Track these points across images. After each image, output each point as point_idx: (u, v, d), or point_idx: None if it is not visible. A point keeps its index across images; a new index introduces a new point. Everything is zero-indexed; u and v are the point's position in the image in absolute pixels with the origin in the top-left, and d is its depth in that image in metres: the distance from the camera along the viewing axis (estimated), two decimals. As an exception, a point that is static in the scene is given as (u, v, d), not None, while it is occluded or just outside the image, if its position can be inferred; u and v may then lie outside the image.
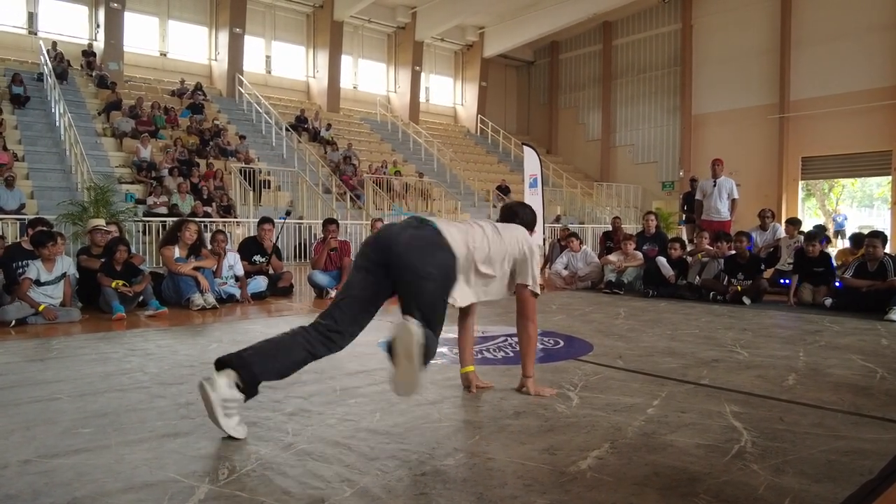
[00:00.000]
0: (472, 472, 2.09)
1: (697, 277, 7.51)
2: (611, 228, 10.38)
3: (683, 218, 12.01)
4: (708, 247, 7.82)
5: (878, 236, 6.43)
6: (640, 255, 8.19)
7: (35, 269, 5.35)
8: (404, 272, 2.54)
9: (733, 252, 7.28)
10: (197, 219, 9.31)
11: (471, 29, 25.09)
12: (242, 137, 16.70)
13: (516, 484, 1.99)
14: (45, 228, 5.82)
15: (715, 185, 9.02)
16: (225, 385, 2.31)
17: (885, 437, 2.47)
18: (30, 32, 18.20)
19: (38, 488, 1.93)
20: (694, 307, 6.55)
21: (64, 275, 5.56)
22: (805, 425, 2.61)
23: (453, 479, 2.02)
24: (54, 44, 17.28)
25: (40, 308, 5.20)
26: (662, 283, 7.55)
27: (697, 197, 9.39)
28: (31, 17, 18.32)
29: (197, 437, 2.41)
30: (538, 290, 3.09)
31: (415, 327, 2.31)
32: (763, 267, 7.45)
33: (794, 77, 19.59)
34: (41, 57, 16.29)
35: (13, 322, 5.09)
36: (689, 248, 8.23)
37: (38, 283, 5.33)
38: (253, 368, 2.35)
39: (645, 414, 2.74)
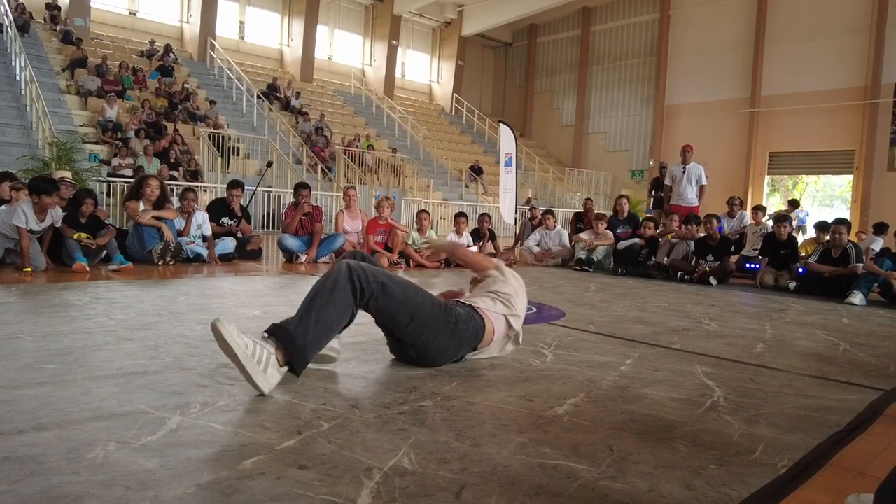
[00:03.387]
0: (450, 413, 2.07)
1: (666, 258, 7.60)
2: (582, 210, 10.45)
3: (652, 203, 12.15)
4: (677, 228, 7.92)
5: (843, 223, 6.59)
6: (610, 234, 8.26)
7: (24, 217, 5.14)
8: None
9: (704, 234, 7.38)
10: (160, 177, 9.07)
11: (450, 6, 24.88)
12: (213, 103, 16.32)
13: (495, 424, 1.98)
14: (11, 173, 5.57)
15: (684, 171, 9.12)
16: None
17: (851, 397, 2.53)
18: (-10, -18, 17.42)
19: (-1, 415, 1.86)
20: (662, 285, 6.64)
21: (51, 226, 5.39)
22: (775, 385, 2.66)
23: (432, 418, 2.00)
24: (16, -5, 16.57)
25: (26, 269, 5.05)
26: (632, 262, 7.64)
27: (667, 182, 9.49)
28: (-8, -33, 17.51)
29: (167, 376, 2.35)
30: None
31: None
32: (732, 249, 7.59)
33: (766, 73, 19.91)
34: (1, 7, 15.62)
35: None
36: (659, 230, 8.33)
37: (31, 232, 5.16)
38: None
39: (618, 371, 2.76)
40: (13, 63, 14.21)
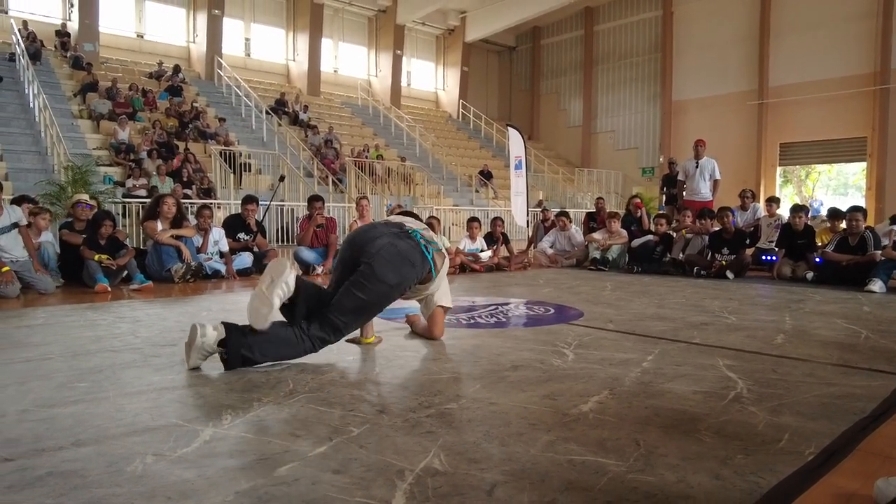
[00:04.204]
0: (475, 413, 2.10)
1: (681, 253, 7.59)
2: (594, 210, 10.44)
3: (664, 200, 12.12)
4: (691, 223, 7.91)
5: (859, 210, 6.54)
6: (624, 232, 8.26)
7: None
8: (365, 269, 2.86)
9: (718, 228, 7.36)
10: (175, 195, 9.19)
11: (452, 13, 25.00)
12: (222, 120, 16.48)
13: (521, 423, 2.01)
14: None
15: (697, 166, 9.10)
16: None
17: (874, 384, 2.53)
18: (0, 12, 17.74)
19: (39, 433, 1.91)
20: (679, 281, 6.63)
21: (16, 225, 5.43)
22: (797, 375, 2.66)
23: (458, 420, 2.03)
24: (25, 23, 16.87)
25: (4, 269, 5.07)
26: (647, 259, 7.63)
27: (680, 177, 9.47)
28: (2, -3, 17.84)
29: (196, 390, 2.40)
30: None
31: (290, 269, 2.68)
32: (748, 241, 7.56)
33: (772, 64, 19.81)
34: (13, 36, 15.89)
35: None
36: (672, 226, 8.32)
37: None
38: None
39: (640, 367, 2.78)
40: (26, 91, 14.45)
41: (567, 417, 2.07)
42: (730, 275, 6.82)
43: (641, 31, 23.51)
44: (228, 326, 2.65)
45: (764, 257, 7.71)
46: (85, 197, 6.58)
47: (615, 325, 3.86)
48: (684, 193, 9.23)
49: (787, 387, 2.47)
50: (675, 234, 7.91)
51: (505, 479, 1.57)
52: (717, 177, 9.16)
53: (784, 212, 8.94)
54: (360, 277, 2.82)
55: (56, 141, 12.00)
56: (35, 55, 15.68)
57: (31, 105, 14.03)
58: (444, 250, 3.18)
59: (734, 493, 1.52)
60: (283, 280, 2.64)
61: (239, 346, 2.62)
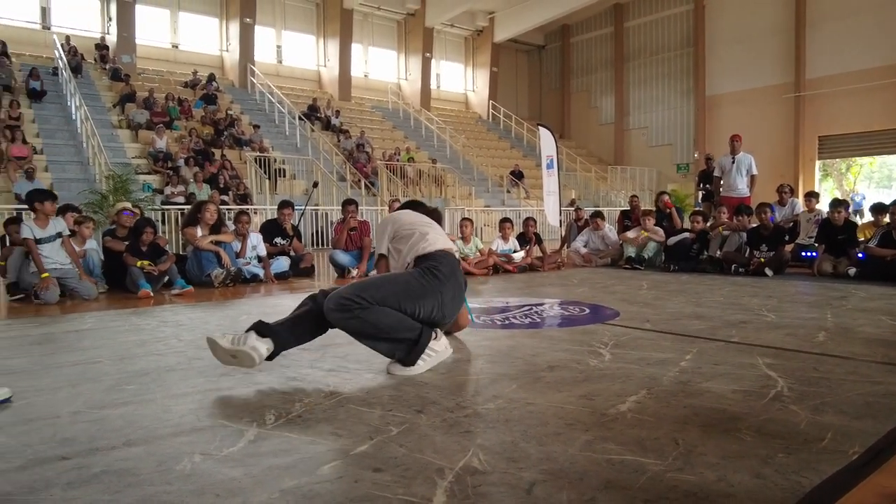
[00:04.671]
0: (513, 413, 2.12)
1: (719, 251, 7.48)
2: (628, 208, 10.35)
3: (701, 197, 11.94)
4: (727, 220, 7.79)
5: (903, 204, 6.37)
6: (660, 229, 8.17)
7: (28, 229, 5.45)
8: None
9: (756, 224, 7.24)
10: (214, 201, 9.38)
11: (480, 14, 25.01)
12: (256, 127, 16.77)
13: (558, 423, 2.02)
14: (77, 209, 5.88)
15: (734, 162, 8.96)
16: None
17: (922, 382, 2.47)
18: (43, 27, 18.36)
19: (92, 433, 1.98)
20: (716, 279, 6.54)
21: (59, 234, 5.64)
22: (840, 373, 2.61)
23: (496, 420, 2.05)
24: (67, 38, 17.41)
25: (43, 275, 5.27)
26: (684, 257, 7.54)
27: (716, 174, 9.33)
28: (44, 12, 18.46)
29: (239, 391, 2.46)
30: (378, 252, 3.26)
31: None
32: (786, 238, 7.42)
33: (809, 55, 19.38)
34: (55, 51, 16.42)
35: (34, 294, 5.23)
36: (709, 223, 8.21)
37: (38, 241, 5.43)
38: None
39: (678, 366, 2.76)
40: (69, 103, 14.92)
41: (605, 417, 2.08)
42: (768, 272, 6.70)
43: (672, 26, 23.21)
44: (276, 340, 2.62)
45: (804, 254, 7.56)
46: (128, 205, 6.77)
47: (652, 325, 3.84)
48: (721, 190, 9.09)
49: (829, 385, 2.43)
50: (711, 232, 7.80)
51: (544, 478, 1.59)
52: (754, 172, 9.00)
53: (824, 206, 8.75)
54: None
55: (97, 151, 12.36)
56: (76, 68, 16.18)
57: (74, 117, 14.48)
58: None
59: (776, 492, 1.51)
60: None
61: (284, 348, 2.70)
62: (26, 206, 8.52)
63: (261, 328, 2.61)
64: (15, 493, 1.55)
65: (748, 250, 7.16)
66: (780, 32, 19.95)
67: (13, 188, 11.12)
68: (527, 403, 2.23)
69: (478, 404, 2.23)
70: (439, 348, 2.76)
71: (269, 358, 2.63)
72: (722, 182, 9.09)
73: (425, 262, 2.91)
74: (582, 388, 2.43)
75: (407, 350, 2.67)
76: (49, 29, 18.25)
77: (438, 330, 2.81)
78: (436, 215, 3.53)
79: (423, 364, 2.69)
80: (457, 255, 3.12)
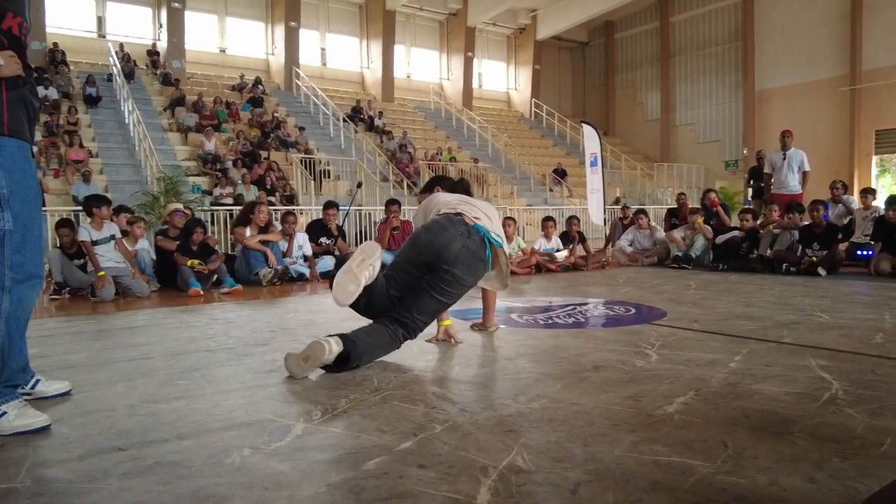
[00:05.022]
0: (557, 413, 2.10)
1: (769, 250, 7.28)
2: (675, 206, 10.16)
3: (750, 194, 11.64)
4: (778, 218, 7.58)
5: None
6: (708, 227, 7.99)
7: (86, 231, 5.69)
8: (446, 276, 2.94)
9: (808, 222, 7.02)
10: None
11: (523, 12, 24.87)
12: (302, 129, 17.03)
13: (604, 424, 1.99)
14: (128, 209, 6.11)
15: (784, 158, 8.70)
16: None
17: None
18: (99, 36, 19.02)
19: (146, 426, 2.05)
20: (766, 279, 6.36)
21: (113, 237, 5.87)
22: (900, 376, 2.52)
23: (540, 420, 2.04)
24: (121, 45, 18.00)
25: (100, 274, 5.47)
26: (733, 256, 7.37)
27: (766, 170, 9.07)
28: (100, 21, 19.13)
29: (287, 387, 2.51)
30: None
31: (380, 252, 2.84)
32: (840, 236, 7.18)
33: (866, 45, 18.67)
34: (110, 58, 16.99)
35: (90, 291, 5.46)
36: (759, 221, 7.99)
37: (94, 243, 5.66)
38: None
39: (728, 367, 2.70)
40: (122, 108, 15.43)
41: (651, 418, 2.04)
42: (822, 271, 6.49)
43: (720, 20, 22.66)
44: (347, 342, 2.67)
45: (859, 252, 7.30)
46: (180, 206, 6.97)
47: (700, 325, 3.76)
48: (771, 187, 8.85)
49: (888, 388, 2.34)
50: (762, 230, 7.59)
51: (589, 479, 1.57)
52: (807, 168, 8.72)
53: (880, 203, 8.42)
54: (441, 284, 2.91)
55: (149, 154, 12.74)
56: (129, 74, 16.72)
57: (127, 121, 14.96)
58: (502, 239, 3.23)
59: (831, 498, 1.46)
60: (373, 261, 2.79)
61: (356, 360, 2.70)
62: (83, 209, 8.89)
63: (336, 335, 2.70)
64: (77, 481, 1.62)
65: (800, 249, 6.95)
66: (835, 22, 19.26)
67: (71, 190, 11.56)
68: (571, 403, 2.21)
69: (521, 404, 2.22)
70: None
71: (347, 361, 2.65)
72: (772, 179, 8.84)
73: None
74: (628, 388, 2.40)
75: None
76: (104, 37, 18.90)
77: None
78: (463, 185, 3.58)
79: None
80: (492, 227, 3.16)
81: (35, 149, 12.22)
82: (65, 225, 5.98)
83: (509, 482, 1.56)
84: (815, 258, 6.64)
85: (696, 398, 2.26)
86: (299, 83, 20.23)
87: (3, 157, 1.99)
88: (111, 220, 6.04)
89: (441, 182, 3.60)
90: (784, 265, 6.85)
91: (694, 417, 2.05)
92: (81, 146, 13.07)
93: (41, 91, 14.49)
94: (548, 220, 8.11)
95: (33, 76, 2.17)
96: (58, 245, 6.03)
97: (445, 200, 3.22)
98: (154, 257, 6.50)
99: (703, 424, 1.98)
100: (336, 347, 2.60)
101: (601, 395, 2.32)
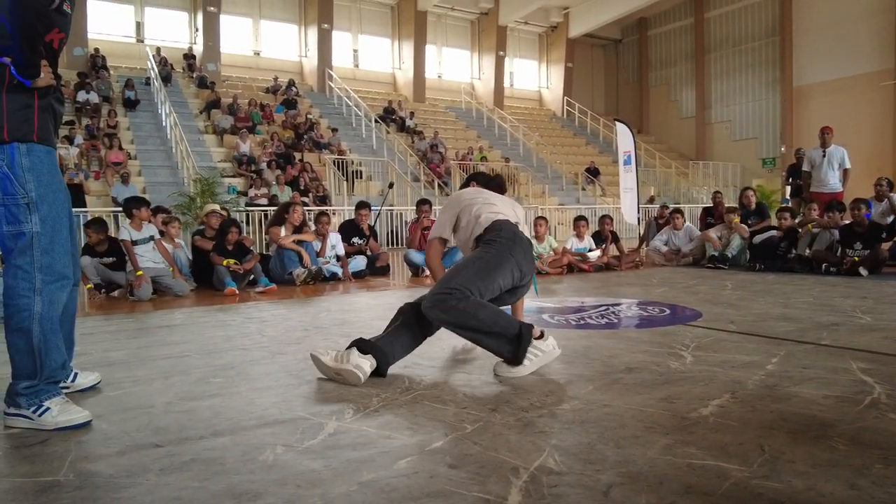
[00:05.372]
0: (589, 415, 2.09)
1: (808, 249, 7.11)
2: (711, 205, 9.98)
3: (789, 193, 11.37)
4: (818, 216, 7.40)
5: None
6: (745, 227, 7.84)
7: (126, 231, 5.81)
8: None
9: (848, 221, 6.84)
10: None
11: (555, 10, 24.73)
12: (334, 130, 17.20)
13: (637, 426, 1.97)
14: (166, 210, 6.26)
15: (824, 155, 8.49)
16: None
17: None
18: (138, 41, 19.49)
19: (182, 423, 2.09)
20: (806, 279, 6.22)
21: (151, 237, 5.99)
22: (946, 380, 2.44)
23: (571, 421, 2.03)
24: (158, 49, 18.41)
25: (138, 273, 5.59)
26: (770, 256, 7.22)
27: (805, 168, 8.86)
28: (139, 27, 19.59)
29: (320, 385, 2.54)
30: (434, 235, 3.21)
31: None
32: (884, 235, 6.97)
33: (911, 38, 18.10)
34: (148, 63, 17.38)
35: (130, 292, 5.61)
36: (798, 220, 7.81)
37: (133, 243, 5.79)
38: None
39: (764, 370, 2.64)
40: (160, 111, 15.77)
41: (686, 421, 2.01)
42: (863, 271, 6.31)
43: (757, 15, 22.21)
44: (378, 357, 2.59)
45: (905, 251, 7.07)
46: (216, 207, 7.10)
47: (736, 326, 3.69)
48: (811, 185, 8.63)
49: (933, 392, 2.27)
50: (800, 229, 7.42)
51: (621, 481, 1.56)
52: (847, 166, 8.49)
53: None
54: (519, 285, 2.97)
55: (185, 155, 13.01)
56: (166, 78, 17.08)
57: (164, 124, 15.29)
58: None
59: (873, 504, 1.43)
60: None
61: (387, 367, 2.65)
62: (122, 210, 9.11)
63: (361, 345, 2.59)
64: (116, 476, 1.66)
65: (840, 249, 6.77)
66: (877, 14, 18.71)
67: (111, 192, 11.85)
68: (604, 405, 2.19)
69: (553, 405, 2.21)
70: (546, 348, 2.68)
71: (380, 373, 2.59)
72: (812, 177, 8.63)
73: (484, 237, 2.95)
74: (662, 390, 2.37)
75: (513, 348, 2.61)
76: (143, 42, 19.36)
77: (545, 330, 2.77)
78: (497, 182, 3.52)
79: (530, 364, 2.62)
80: (518, 225, 3.08)
81: (77, 151, 12.60)
82: (91, 225, 6.14)
83: (540, 483, 1.55)
84: (856, 258, 6.46)
85: (732, 401, 2.22)
86: (332, 85, 20.42)
87: (32, 161, 2.07)
88: (150, 221, 6.18)
89: (476, 178, 3.59)
90: (823, 265, 6.67)
91: (729, 420, 2.01)
92: (121, 148, 13.40)
93: (82, 95, 14.90)
94: (580, 220, 8.04)
95: (60, 83, 2.26)
96: (84, 244, 6.18)
97: (470, 199, 3.16)
98: (190, 257, 6.63)
99: (738, 427, 1.94)
100: (369, 369, 2.54)
101: (634, 396, 2.29)
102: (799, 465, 1.64)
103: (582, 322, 3.97)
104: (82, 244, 6.20)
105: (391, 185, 10.40)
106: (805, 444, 1.79)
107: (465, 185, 3.62)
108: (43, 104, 2.13)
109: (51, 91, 2.16)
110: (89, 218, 7.23)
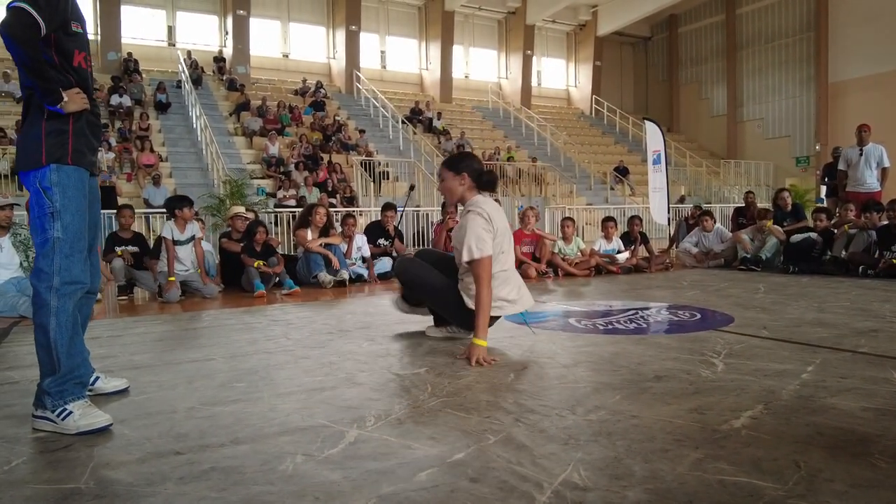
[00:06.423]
0: (616, 427, 2.03)
1: (844, 251, 6.91)
2: (743, 205, 9.78)
3: (824, 192, 11.09)
4: (854, 217, 7.18)
5: None
6: (779, 229, 7.65)
7: (169, 230, 5.86)
8: None
9: (887, 222, 6.63)
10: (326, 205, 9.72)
11: (583, 8, 24.51)
12: (362, 132, 17.26)
13: (666, 439, 1.91)
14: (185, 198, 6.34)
15: (861, 154, 8.25)
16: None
17: None
18: (169, 44, 19.80)
19: (203, 430, 2.09)
20: (842, 282, 6.04)
21: (193, 237, 6.05)
22: None
23: (597, 433, 1.97)
24: (189, 53, 18.67)
25: (170, 279, 5.65)
26: (805, 258, 7.03)
27: (841, 167, 8.62)
28: (171, 30, 19.90)
29: (342, 391, 2.52)
30: (474, 255, 3.04)
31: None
32: (924, 237, 6.74)
33: (953, 32, 17.53)
34: (179, 66, 17.65)
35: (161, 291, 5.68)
36: (833, 221, 7.60)
37: (175, 243, 5.85)
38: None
39: (799, 379, 2.55)
40: (190, 113, 16.00)
41: (717, 434, 1.94)
42: (903, 274, 6.11)
43: (790, 11, 21.74)
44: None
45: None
46: (242, 209, 7.16)
47: (770, 332, 3.58)
48: (847, 184, 8.40)
49: (981, 405, 2.16)
50: (836, 230, 7.22)
51: (649, 498, 1.50)
52: (886, 164, 8.24)
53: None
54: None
55: (215, 157, 13.16)
56: (197, 81, 17.32)
57: (195, 126, 15.51)
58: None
59: (918, 528, 1.35)
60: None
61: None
62: (154, 210, 9.24)
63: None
64: (136, 484, 1.65)
65: (878, 251, 6.57)
66: (918, 9, 18.17)
67: (142, 194, 12.05)
68: (631, 416, 2.13)
69: (579, 415, 2.15)
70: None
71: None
72: (848, 176, 8.39)
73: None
74: (692, 400, 2.29)
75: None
76: (174, 45, 19.66)
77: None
78: (491, 179, 3.35)
79: None
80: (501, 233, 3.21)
81: (112, 156, 12.82)
82: (127, 206, 6.27)
83: (565, 499, 1.50)
84: (894, 260, 6.26)
85: (766, 412, 2.14)
86: (360, 86, 20.51)
87: (61, 177, 2.20)
88: (192, 220, 6.24)
89: (469, 171, 3.24)
90: (860, 267, 6.48)
91: (763, 433, 1.94)
92: (152, 151, 13.62)
93: (115, 99, 15.17)
94: (608, 220, 7.93)
95: (95, 98, 2.37)
96: (109, 235, 6.32)
97: (502, 232, 3.22)
98: (217, 259, 6.69)
99: (772, 442, 1.87)
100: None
101: (663, 407, 2.23)
102: (838, 483, 1.57)
103: (609, 327, 3.89)
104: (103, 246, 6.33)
105: (412, 188, 10.36)
106: (843, 461, 1.71)
107: (454, 168, 3.24)
108: (77, 128, 2.24)
109: (84, 114, 2.27)
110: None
